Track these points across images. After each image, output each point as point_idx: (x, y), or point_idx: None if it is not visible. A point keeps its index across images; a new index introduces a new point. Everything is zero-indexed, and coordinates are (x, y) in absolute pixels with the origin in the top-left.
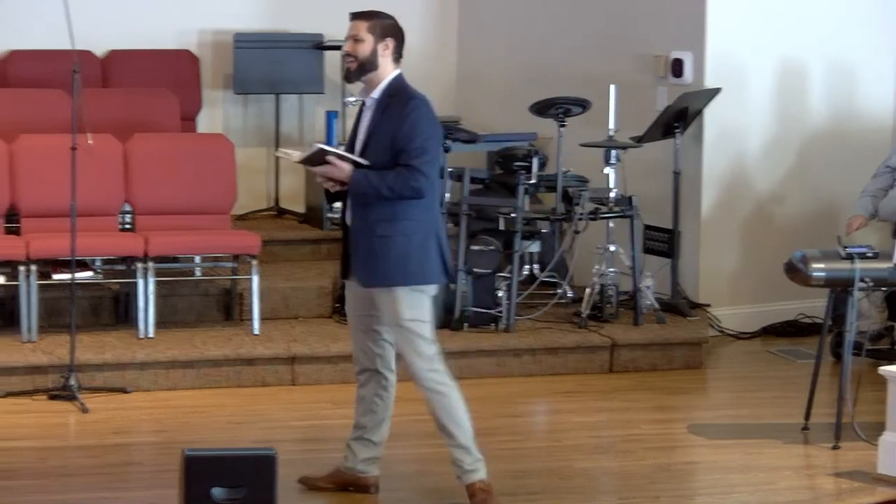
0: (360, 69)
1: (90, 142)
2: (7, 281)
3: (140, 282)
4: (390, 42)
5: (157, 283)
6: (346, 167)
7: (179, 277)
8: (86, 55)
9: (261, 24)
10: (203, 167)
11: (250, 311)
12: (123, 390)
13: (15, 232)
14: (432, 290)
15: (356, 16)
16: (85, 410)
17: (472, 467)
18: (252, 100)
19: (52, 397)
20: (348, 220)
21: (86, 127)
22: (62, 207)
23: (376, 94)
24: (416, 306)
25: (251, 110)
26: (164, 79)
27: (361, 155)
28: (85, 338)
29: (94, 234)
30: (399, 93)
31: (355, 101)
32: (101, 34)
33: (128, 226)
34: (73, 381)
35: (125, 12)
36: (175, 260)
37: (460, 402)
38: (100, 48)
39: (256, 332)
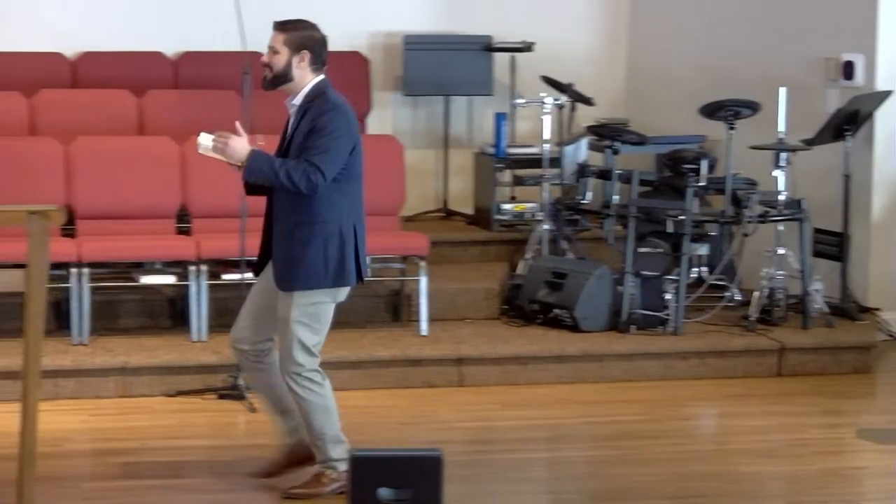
0: (274, 80)
1: (261, 143)
2: (178, 281)
3: None
4: (306, 54)
5: None
6: (244, 141)
7: None
8: (257, 57)
9: (431, 25)
10: (372, 168)
11: (418, 312)
12: None
13: (185, 232)
14: (342, 294)
15: (276, 26)
16: (253, 410)
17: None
18: (422, 101)
19: (222, 396)
20: (273, 218)
21: (256, 128)
22: (232, 208)
23: (297, 100)
24: (313, 313)
25: (420, 112)
26: (335, 80)
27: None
28: None
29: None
30: (317, 98)
31: (525, 103)
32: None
33: None
34: (241, 381)
35: (296, 14)
36: None
37: (328, 405)
38: None
39: (424, 333)
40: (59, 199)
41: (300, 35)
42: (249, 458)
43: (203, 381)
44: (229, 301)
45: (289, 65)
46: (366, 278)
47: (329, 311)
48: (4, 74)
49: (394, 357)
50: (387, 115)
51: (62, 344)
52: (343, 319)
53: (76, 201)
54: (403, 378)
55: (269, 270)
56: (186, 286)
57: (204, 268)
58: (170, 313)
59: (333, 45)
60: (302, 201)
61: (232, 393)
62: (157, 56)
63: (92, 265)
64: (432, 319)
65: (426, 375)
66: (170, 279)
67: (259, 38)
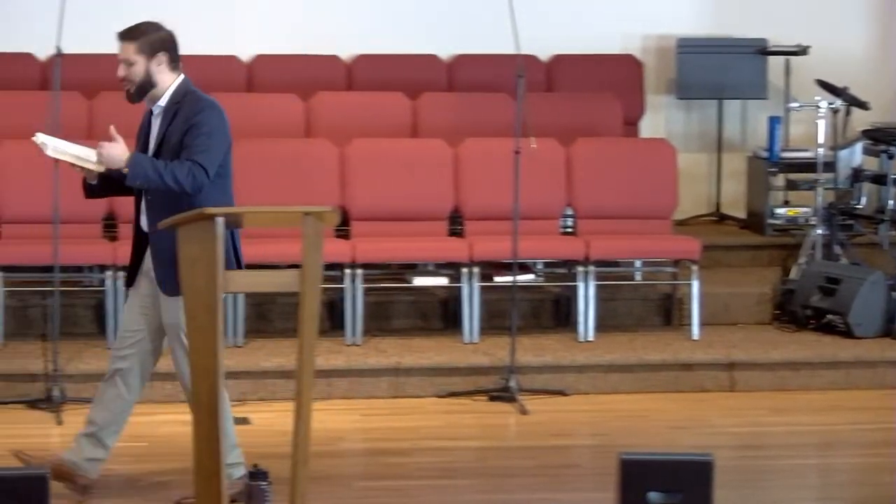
0: (139, 92)
1: (533, 146)
2: (450, 283)
3: (580, 285)
4: (163, 56)
5: (598, 287)
6: (120, 147)
7: (619, 281)
8: (530, 59)
9: (705, 28)
10: (645, 172)
11: (690, 316)
12: (562, 393)
13: (458, 234)
14: None
15: (123, 36)
16: (524, 412)
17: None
18: (695, 105)
19: (493, 398)
20: (144, 226)
21: (529, 131)
22: (505, 210)
23: (163, 102)
24: None
25: (693, 115)
26: (608, 83)
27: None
28: (525, 340)
29: (535, 238)
30: (187, 97)
31: (799, 107)
32: (546, 38)
33: (569, 229)
34: (512, 383)
35: (570, 17)
36: (615, 264)
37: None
38: (544, 52)
39: (696, 337)
40: (333, 200)
41: (151, 38)
42: (520, 460)
43: (474, 383)
44: (501, 303)
45: (148, 72)
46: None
47: None
48: (284, 77)
49: (665, 361)
50: (659, 119)
51: (336, 344)
52: (614, 323)
53: (350, 203)
54: (674, 382)
55: (141, 284)
56: (459, 288)
57: (476, 270)
58: (442, 315)
59: (607, 48)
60: (181, 202)
61: (503, 395)
62: (431, 59)
63: (365, 266)
64: (704, 324)
65: (697, 380)
66: (442, 281)
67: (532, 41)
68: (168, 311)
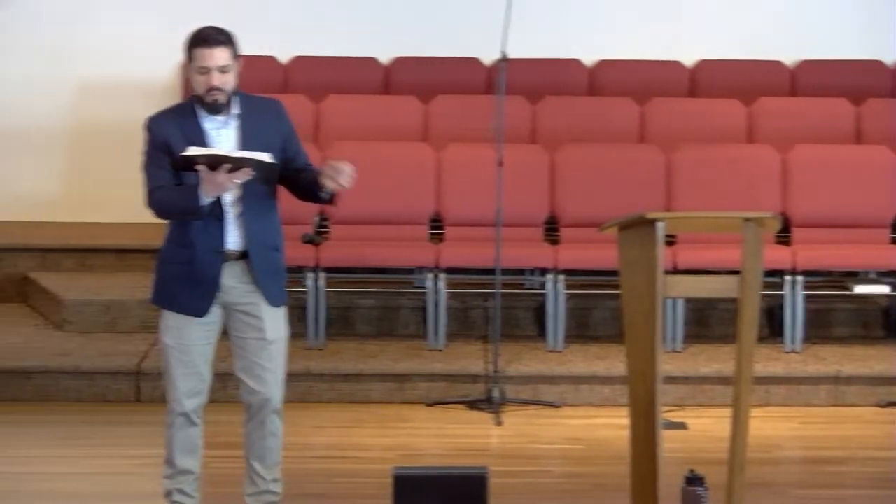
0: (227, 102)
1: None
2: (892, 291)
3: None
4: (241, 59)
5: None
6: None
7: None
8: None
9: None
10: None
11: None
12: None
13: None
14: None
15: (221, 42)
16: None
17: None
18: None
19: None
20: (233, 245)
21: None
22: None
23: (235, 109)
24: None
25: None
26: None
27: None
28: None
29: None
30: (252, 97)
31: None
32: None
33: None
34: None
35: None
36: None
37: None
38: None
39: None
40: (775, 206)
41: (235, 42)
42: None
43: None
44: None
45: (236, 80)
46: None
47: None
48: (726, 82)
49: None
50: None
51: (774, 351)
52: None
53: (792, 209)
54: None
55: (211, 313)
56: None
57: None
58: (884, 323)
59: None
60: (274, 210)
61: None
62: (875, 64)
63: (806, 273)
64: None
65: None
66: (884, 289)
67: None
68: (273, 326)
